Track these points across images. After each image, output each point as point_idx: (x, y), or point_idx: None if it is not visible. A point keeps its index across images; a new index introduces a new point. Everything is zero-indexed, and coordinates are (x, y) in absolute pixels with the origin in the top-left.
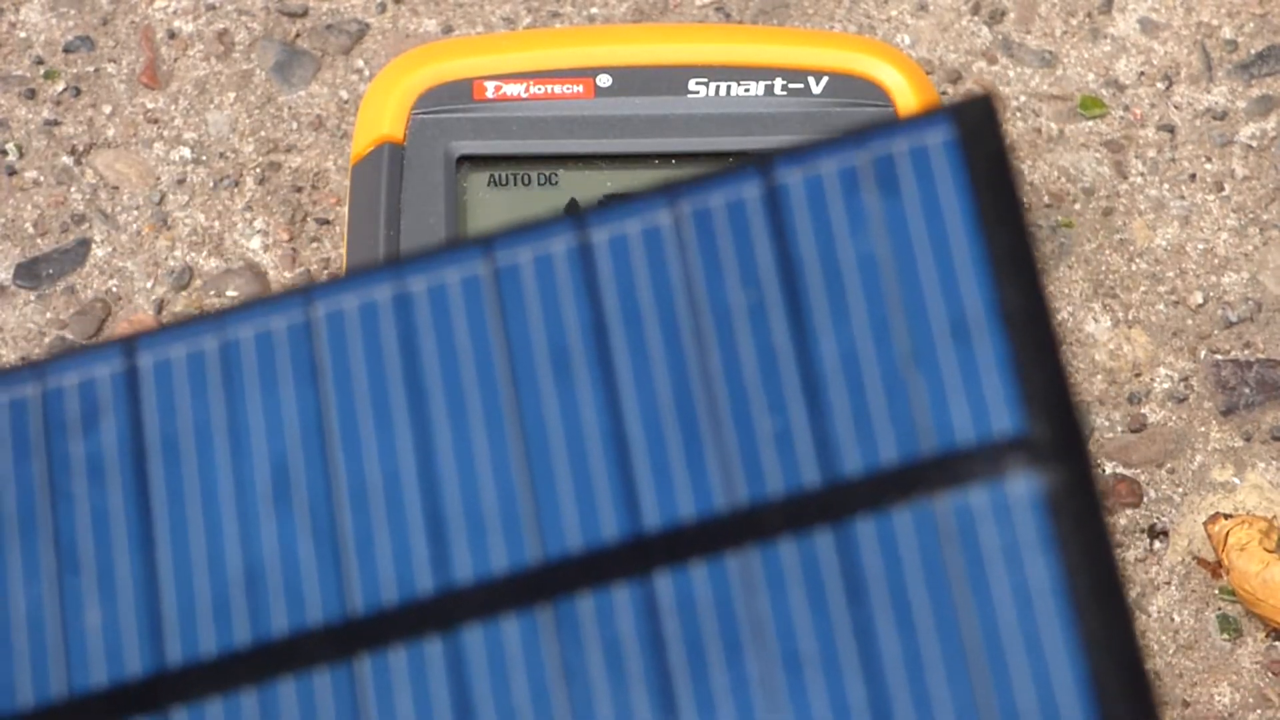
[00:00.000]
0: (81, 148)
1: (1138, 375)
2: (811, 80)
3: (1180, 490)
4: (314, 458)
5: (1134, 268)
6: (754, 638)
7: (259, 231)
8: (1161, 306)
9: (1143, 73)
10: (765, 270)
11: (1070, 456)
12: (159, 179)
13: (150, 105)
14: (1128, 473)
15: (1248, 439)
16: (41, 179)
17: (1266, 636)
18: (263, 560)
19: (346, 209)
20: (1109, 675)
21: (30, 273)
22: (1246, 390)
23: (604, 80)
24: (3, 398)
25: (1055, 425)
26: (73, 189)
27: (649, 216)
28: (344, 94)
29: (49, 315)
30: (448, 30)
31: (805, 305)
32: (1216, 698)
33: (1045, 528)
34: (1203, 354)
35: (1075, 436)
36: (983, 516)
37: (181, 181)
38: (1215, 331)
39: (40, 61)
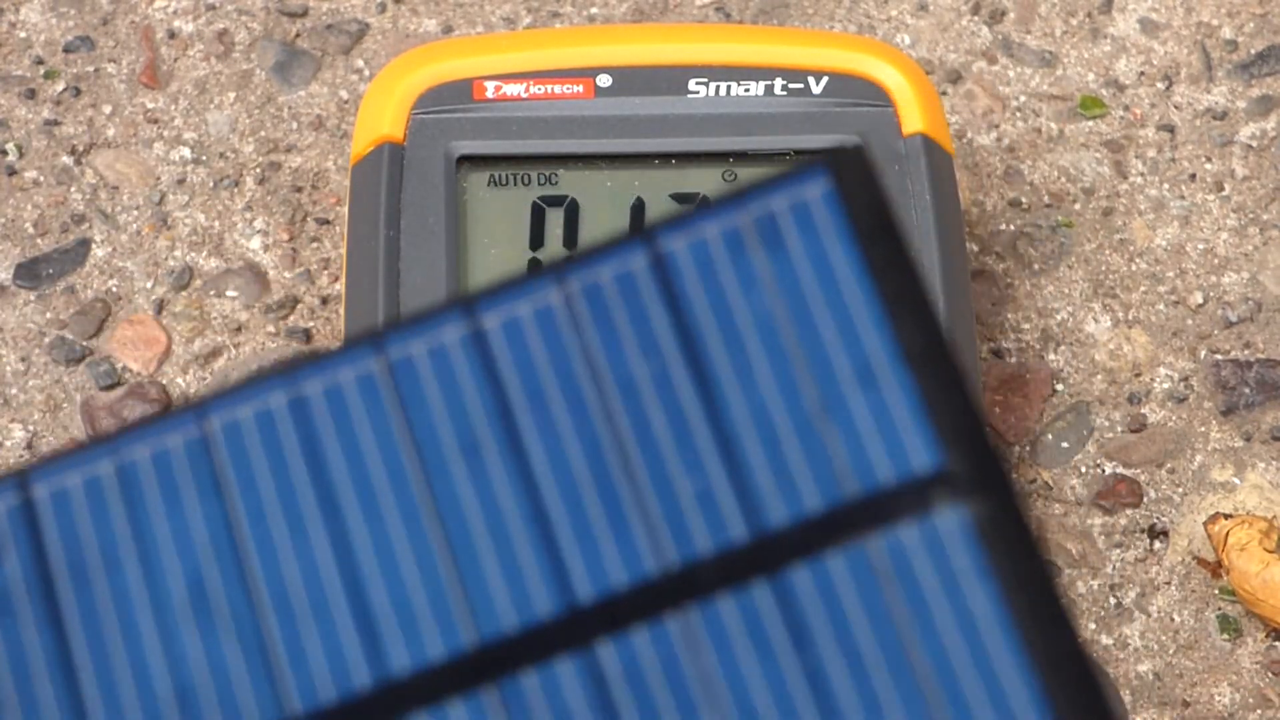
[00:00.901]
0: (81, 148)
1: (1138, 375)
2: (811, 80)
3: (1180, 490)
4: (229, 567)
5: (1134, 268)
6: (706, 697)
7: (259, 231)
8: (1161, 306)
9: (1143, 73)
10: (664, 338)
11: (993, 485)
12: (159, 179)
13: (150, 105)
14: (1128, 473)
15: (1248, 439)
16: (41, 179)
17: (1266, 636)
18: (191, 676)
19: (346, 209)
20: (1063, 692)
21: (30, 273)
22: (1246, 390)
23: (604, 80)
24: None
25: (973, 456)
26: (73, 189)
27: (539, 297)
28: (344, 94)
29: (49, 315)
30: (448, 30)
31: (709, 368)
32: (1216, 698)
33: (979, 555)
34: (1203, 354)
35: (994, 465)
36: (915, 551)
37: (181, 181)
38: (1215, 331)
39: (40, 61)
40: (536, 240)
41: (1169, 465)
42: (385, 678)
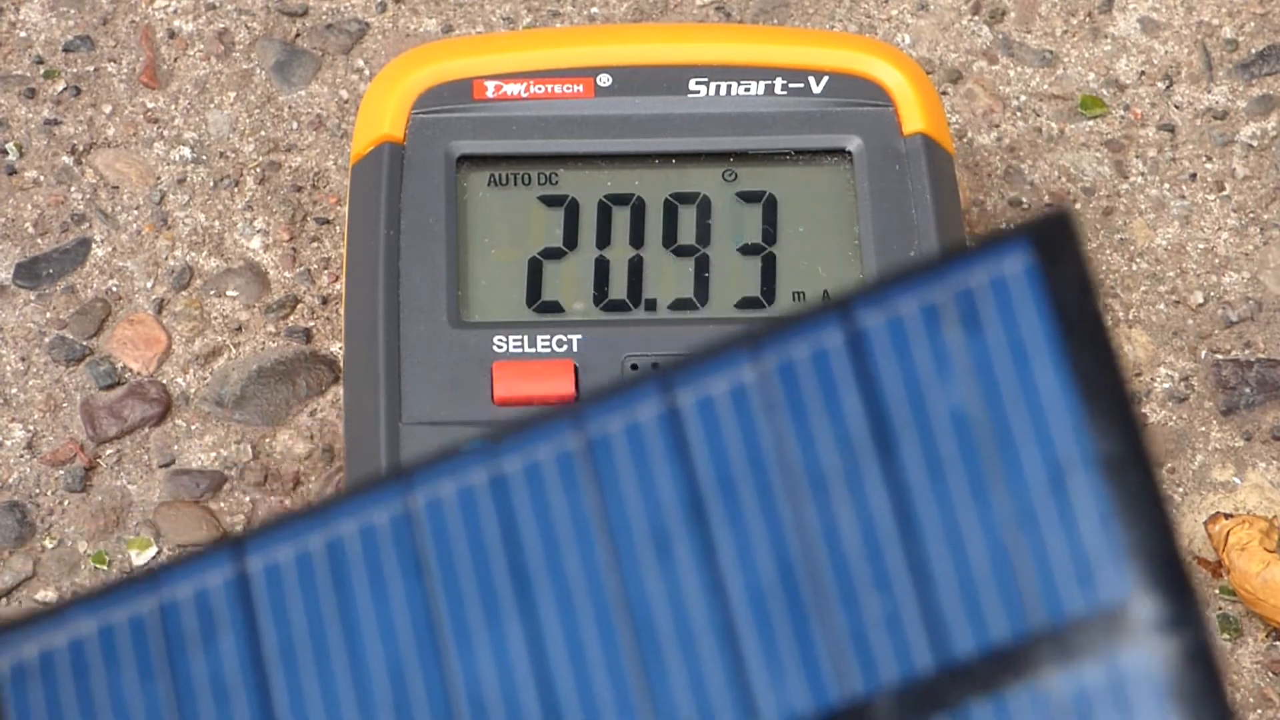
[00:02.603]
0: (81, 147)
1: (1138, 375)
2: (811, 80)
3: (1180, 490)
4: (429, 660)
5: (1134, 267)
6: None
7: (259, 231)
8: (1162, 306)
9: (1143, 72)
10: (856, 428)
11: (1184, 622)
12: (159, 179)
13: (150, 105)
14: None
15: (1248, 439)
16: (41, 178)
17: (1266, 636)
18: None
19: (346, 209)
20: None
21: (30, 272)
22: (1247, 390)
23: (604, 80)
24: (121, 615)
25: (1165, 587)
26: (73, 189)
27: (733, 373)
28: (344, 94)
29: (49, 315)
30: (448, 30)
31: (901, 467)
32: None
33: (1164, 707)
34: (1203, 354)
35: (1187, 599)
36: (1100, 696)
37: (181, 181)
38: (1215, 331)
39: (40, 61)
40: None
41: (1169, 465)
42: None
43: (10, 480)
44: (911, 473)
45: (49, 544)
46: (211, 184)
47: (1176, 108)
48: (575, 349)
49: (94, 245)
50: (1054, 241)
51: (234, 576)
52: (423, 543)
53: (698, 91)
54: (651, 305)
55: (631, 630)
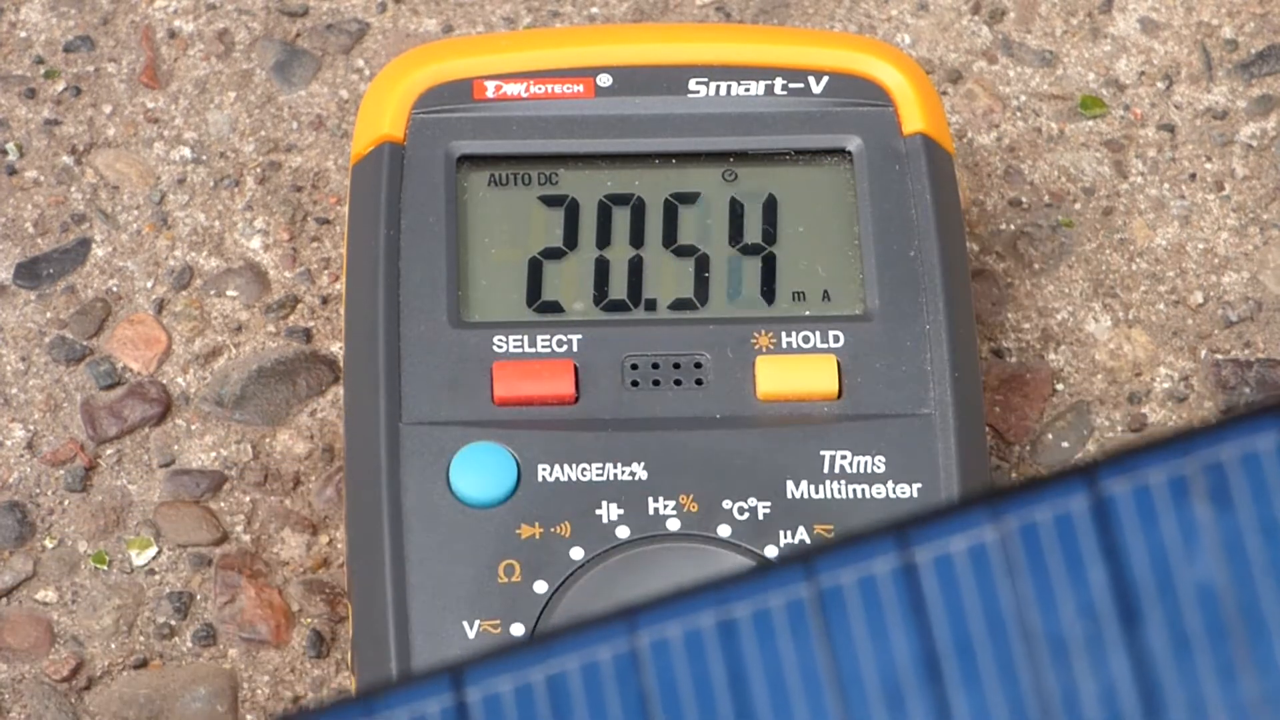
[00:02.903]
0: (81, 147)
1: (1138, 375)
2: (811, 80)
3: None
4: None
5: (1134, 267)
6: None
7: (259, 231)
8: (1161, 306)
9: (1143, 72)
10: (1099, 596)
11: None
12: (159, 179)
13: (150, 105)
14: None
15: None
16: (41, 179)
17: None
18: None
19: (346, 209)
20: None
21: (30, 272)
22: (1247, 390)
23: (604, 80)
24: None
25: None
26: (73, 189)
27: (973, 533)
28: (344, 94)
29: (49, 315)
30: (448, 30)
31: (1144, 637)
32: None
33: None
34: (1203, 354)
35: None
36: None
37: (181, 181)
38: (1215, 331)
39: (40, 61)
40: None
41: None
42: None
43: (10, 480)
44: (1156, 645)
45: (49, 544)
46: (211, 184)
47: (1176, 108)
48: (575, 349)
49: (94, 245)
50: None
51: (452, 705)
52: (648, 683)
53: (698, 91)
54: (651, 305)
55: None
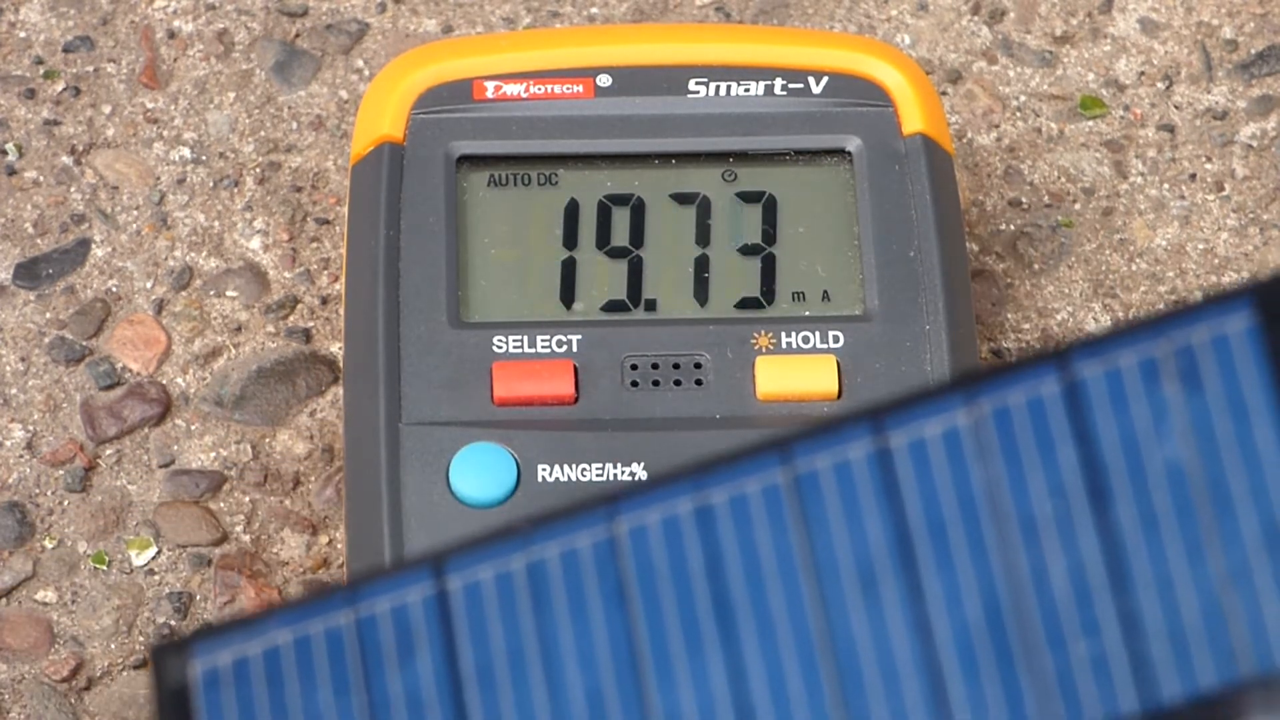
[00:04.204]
0: (81, 147)
1: None
2: (811, 80)
3: None
4: (628, 687)
5: (1134, 268)
6: None
7: (259, 231)
8: (1161, 306)
9: (1143, 73)
10: (1070, 477)
11: None
12: (159, 179)
13: (150, 105)
14: None
15: None
16: (41, 179)
17: None
18: None
19: (346, 209)
20: None
21: (30, 273)
22: None
23: (604, 80)
24: (318, 627)
25: None
26: (72, 189)
27: (946, 417)
28: (344, 94)
29: (49, 315)
30: (448, 30)
31: (1114, 518)
32: None
33: None
34: None
35: None
36: None
37: (181, 181)
38: None
39: (40, 61)
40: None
41: None
42: None
43: (10, 480)
44: (1125, 524)
45: (49, 544)
46: (211, 184)
47: (1176, 108)
48: (575, 349)
49: (94, 245)
50: (1276, 302)
51: (433, 594)
52: (625, 569)
53: (697, 92)
54: (651, 305)
55: (835, 667)
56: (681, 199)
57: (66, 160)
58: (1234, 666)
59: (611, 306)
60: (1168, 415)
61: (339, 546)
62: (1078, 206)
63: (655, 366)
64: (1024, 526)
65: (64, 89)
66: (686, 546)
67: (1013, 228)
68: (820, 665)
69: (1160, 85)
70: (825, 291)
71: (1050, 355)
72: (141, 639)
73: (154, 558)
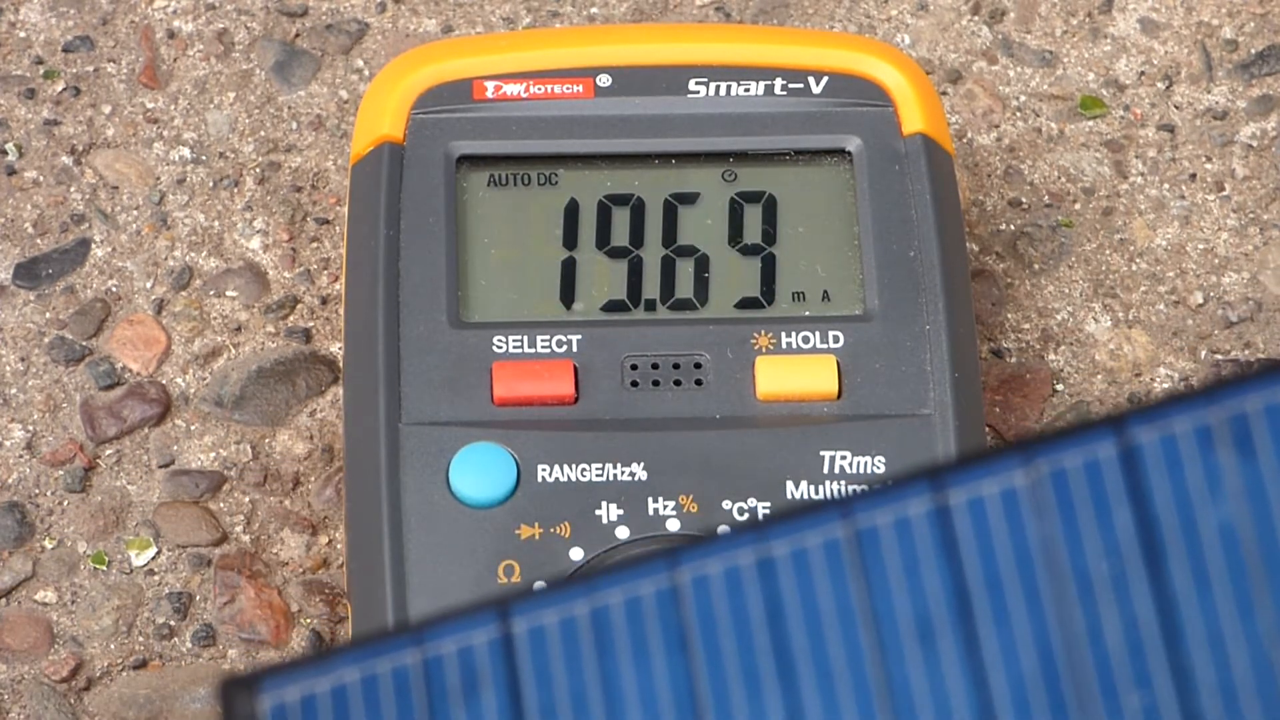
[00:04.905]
0: (81, 147)
1: (1138, 375)
2: (811, 80)
3: None
4: None
5: (1134, 268)
6: None
7: (259, 231)
8: (1161, 306)
9: (1143, 72)
10: (1125, 536)
11: None
12: (159, 179)
13: (150, 105)
14: None
15: None
16: (41, 179)
17: None
18: None
19: (346, 209)
20: None
21: (30, 273)
22: None
23: (604, 80)
24: (385, 665)
25: None
26: (72, 189)
27: (1005, 477)
28: (344, 94)
29: (48, 315)
30: (448, 30)
31: (1168, 577)
32: None
33: None
34: (1203, 354)
35: None
36: None
37: (181, 181)
38: (1215, 331)
39: (40, 61)
40: (570, 241)
41: None
42: None
43: (10, 480)
44: (1178, 583)
45: (48, 544)
46: (211, 184)
47: (1176, 108)
48: (575, 349)
49: (94, 245)
50: None
51: (499, 636)
52: (687, 617)
53: (697, 92)
54: (651, 305)
55: (892, 714)
56: (681, 199)
57: (66, 160)
58: None
59: (611, 306)
60: (1221, 479)
61: (339, 546)
62: (1078, 206)
63: (655, 366)
64: (1079, 583)
65: (64, 89)
66: (747, 596)
67: (1013, 228)
68: (878, 712)
69: (1160, 85)
70: (825, 291)
71: (1106, 420)
72: (141, 639)
73: (154, 558)
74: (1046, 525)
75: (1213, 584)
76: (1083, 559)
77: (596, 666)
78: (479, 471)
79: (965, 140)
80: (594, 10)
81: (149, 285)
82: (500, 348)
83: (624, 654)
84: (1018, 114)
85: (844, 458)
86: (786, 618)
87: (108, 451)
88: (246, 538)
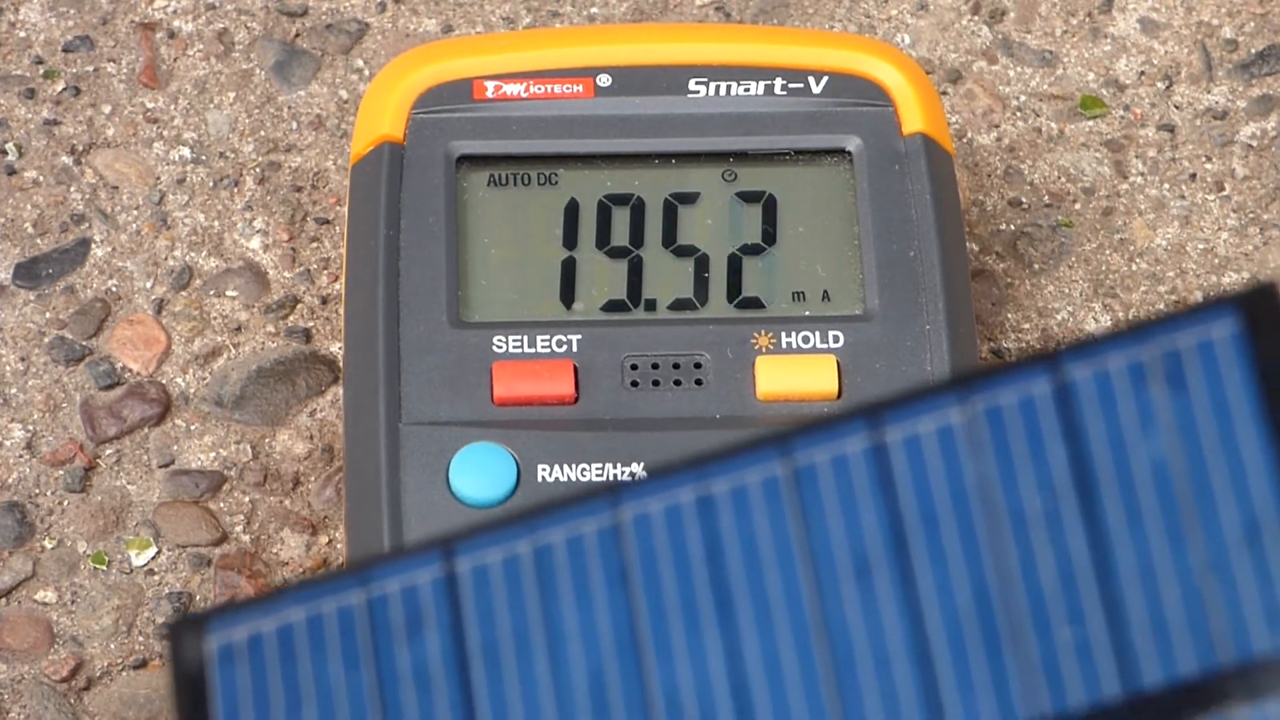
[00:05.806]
0: (81, 147)
1: None
2: (811, 80)
3: None
4: (629, 665)
5: (1134, 268)
6: None
7: (259, 231)
8: (1162, 306)
9: (1143, 72)
10: (1059, 473)
11: None
12: (159, 179)
13: (150, 105)
14: None
15: None
16: (41, 179)
17: None
18: None
19: (346, 209)
20: None
21: (30, 272)
22: None
23: (604, 80)
24: (330, 605)
25: None
26: (72, 189)
27: (941, 414)
28: (344, 94)
29: (48, 315)
30: (448, 30)
31: (1100, 512)
32: None
33: None
34: None
35: None
36: None
37: (181, 181)
38: None
39: (40, 61)
40: (570, 241)
41: None
42: None
43: (10, 480)
44: (1111, 518)
45: (48, 544)
46: (211, 184)
47: (1176, 108)
48: (575, 349)
49: (93, 245)
50: (1260, 310)
51: (442, 576)
52: (628, 555)
53: (697, 91)
54: (651, 305)
55: (828, 649)
56: (681, 199)
57: (66, 160)
58: (1213, 654)
59: (611, 306)
60: (1154, 415)
61: (339, 546)
62: (1078, 206)
63: (655, 366)
64: (1014, 519)
65: (64, 89)
66: (687, 534)
67: (1013, 228)
68: (815, 647)
69: (1160, 85)
70: (825, 291)
71: (1041, 357)
72: (141, 639)
73: (154, 558)
74: (982, 462)
75: (1145, 519)
76: (1017, 495)
77: (539, 605)
78: (479, 471)
79: (965, 140)
80: (594, 10)
81: (149, 285)
82: (500, 347)
83: (566, 592)
84: (1018, 114)
85: None
86: (726, 555)
87: (108, 451)
88: (246, 538)
